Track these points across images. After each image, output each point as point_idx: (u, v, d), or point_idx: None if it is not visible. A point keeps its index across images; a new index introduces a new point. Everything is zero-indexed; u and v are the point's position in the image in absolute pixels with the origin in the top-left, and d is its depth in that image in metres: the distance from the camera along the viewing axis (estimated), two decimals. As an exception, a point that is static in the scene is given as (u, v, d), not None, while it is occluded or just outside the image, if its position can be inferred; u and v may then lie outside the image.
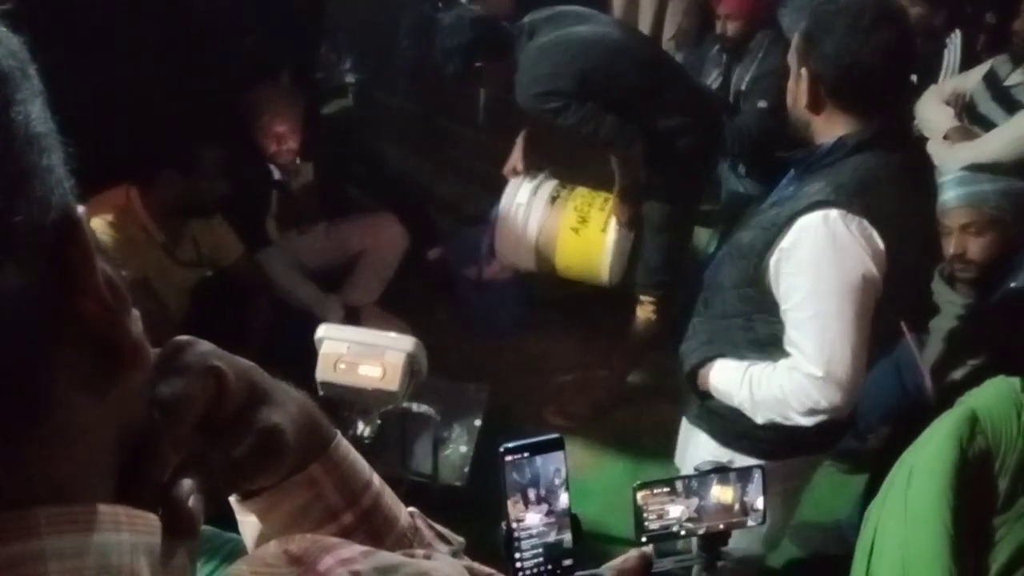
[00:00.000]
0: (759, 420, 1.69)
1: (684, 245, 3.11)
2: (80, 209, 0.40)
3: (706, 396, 1.84)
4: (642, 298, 3.08)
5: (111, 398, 0.42)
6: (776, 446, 1.71)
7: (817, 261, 1.54)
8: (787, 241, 1.56)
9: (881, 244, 1.54)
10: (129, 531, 0.39)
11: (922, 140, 2.83)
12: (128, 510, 0.40)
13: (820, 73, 1.60)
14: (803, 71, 1.62)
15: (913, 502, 0.57)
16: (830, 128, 1.63)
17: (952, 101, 2.96)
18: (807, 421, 1.63)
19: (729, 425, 1.79)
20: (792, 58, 1.67)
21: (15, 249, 0.36)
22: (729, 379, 1.75)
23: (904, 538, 0.58)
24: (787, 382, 1.63)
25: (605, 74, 2.74)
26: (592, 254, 3.09)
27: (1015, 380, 0.58)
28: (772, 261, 1.60)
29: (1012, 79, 2.88)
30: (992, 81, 2.97)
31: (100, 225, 2.42)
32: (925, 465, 0.57)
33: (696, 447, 1.95)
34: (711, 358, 1.80)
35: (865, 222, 1.53)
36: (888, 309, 1.64)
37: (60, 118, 0.40)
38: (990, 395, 0.55)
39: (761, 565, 2.13)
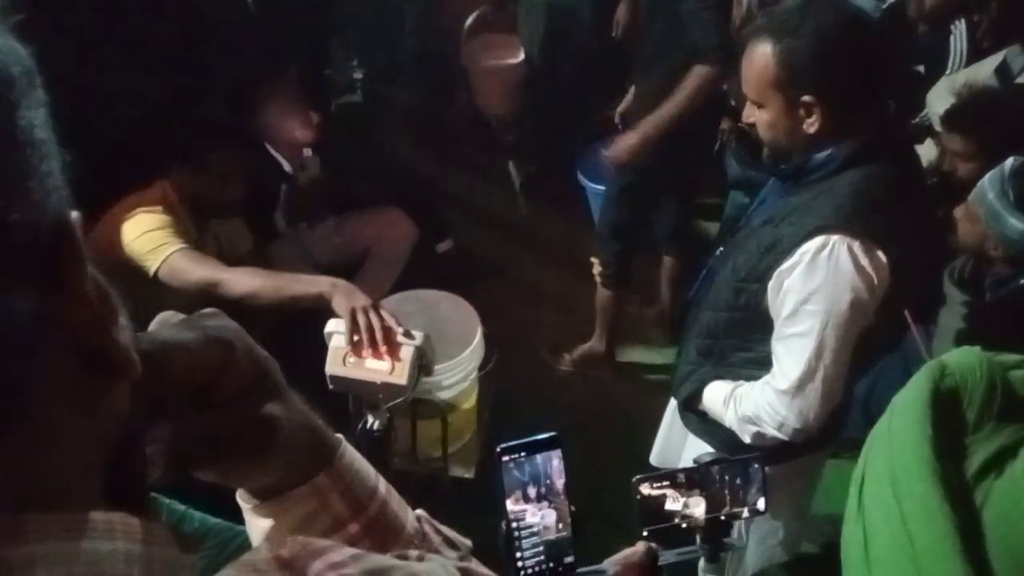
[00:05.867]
0: (746, 439, 1.70)
1: (644, 219, 3.13)
2: (74, 215, 0.40)
3: (704, 413, 1.86)
4: (593, 259, 3.16)
5: (98, 406, 0.41)
6: (776, 452, 1.72)
7: (811, 281, 1.55)
8: (786, 264, 1.57)
9: (884, 260, 1.55)
10: (124, 540, 0.39)
11: (912, 144, 2.80)
12: (126, 518, 0.39)
13: (831, 97, 1.55)
14: (805, 99, 1.55)
15: (895, 427, 0.66)
16: (816, 141, 1.59)
17: (963, 93, 2.94)
18: (783, 436, 1.66)
19: (732, 435, 1.78)
20: (771, 91, 1.58)
21: (9, 248, 0.36)
22: (719, 401, 1.77)
23: (890, 456, 0.66)
24: (760, 397, 1.66)
25: None
26: None
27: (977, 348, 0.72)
28: (770, 284, 1.61)
29: None
30: (1004, 75, 2.94)
31: (149, 217, 2.37)
32: (902, 401, 0.66)
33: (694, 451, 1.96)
34: (703, 386, 1.82)
35: (868, 243, 1.53)
36: (890, 311, 1.64)
37: (82, 121, 0.41)
38: (956, 352, 0.69)
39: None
